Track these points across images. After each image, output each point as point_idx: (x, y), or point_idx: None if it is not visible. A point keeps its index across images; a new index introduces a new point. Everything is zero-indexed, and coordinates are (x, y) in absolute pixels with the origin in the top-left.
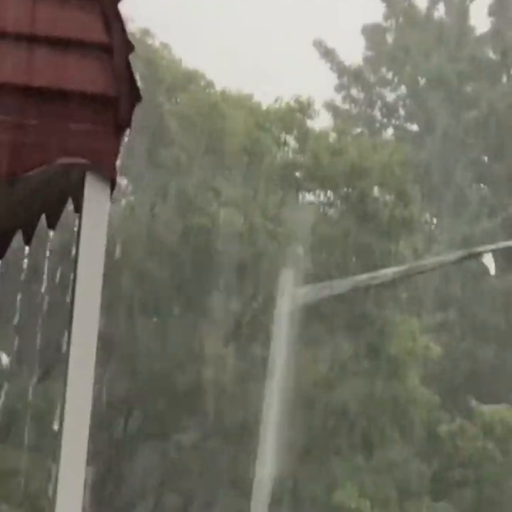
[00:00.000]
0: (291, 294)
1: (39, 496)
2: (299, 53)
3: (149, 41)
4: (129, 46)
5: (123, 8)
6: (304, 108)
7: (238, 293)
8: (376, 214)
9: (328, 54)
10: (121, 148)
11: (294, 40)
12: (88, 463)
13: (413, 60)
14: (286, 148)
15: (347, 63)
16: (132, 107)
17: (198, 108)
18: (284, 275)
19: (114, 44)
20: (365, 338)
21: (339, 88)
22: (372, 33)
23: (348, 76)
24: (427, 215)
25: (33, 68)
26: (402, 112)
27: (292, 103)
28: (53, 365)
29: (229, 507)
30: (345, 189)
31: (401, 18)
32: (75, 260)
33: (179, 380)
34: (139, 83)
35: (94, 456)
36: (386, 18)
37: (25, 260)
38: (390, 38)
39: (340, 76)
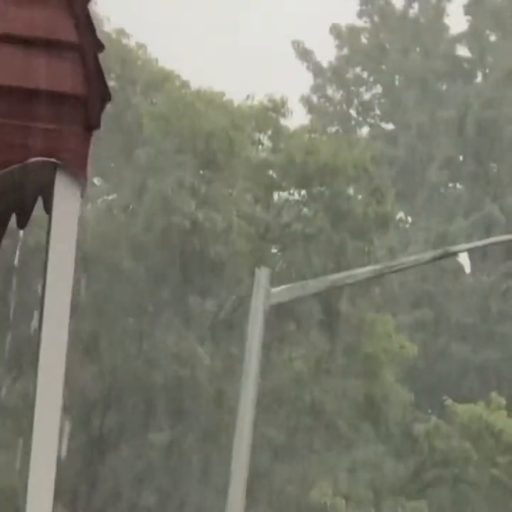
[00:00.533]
0: (265, 293)
1: (15, 492)
2: (276, 53)
3: (125, 41)
4: (98, 45)
5: (99, 8)
6: (277, 107)
7: (214, 292)
8: (350, 212)
9: (305, 54)
10: (95, 148)
11: (271, 40)
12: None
13: (389, 58)
14: (260, 147)
15: (323, 63)
16: (102, 106)
17: (173, 108)
18: (258, 274)
19: (84, 43)
20: (341, 336)
21: (315, 88)
22: (346, 33)
23: (324, 75)
24: (402, 214)
25: (1, 67)
26: (377, 110)
27: (266, 102)
28: (30, 362)
29: (205, 505)
30: (318, 188)
31: (376, 17)
32: (45, 260)
33: (155, 379)
34: (115, 83)
35: (70, 454)
36: (360, 16)
37: None
38: (364, 38)
39: (316, 76)
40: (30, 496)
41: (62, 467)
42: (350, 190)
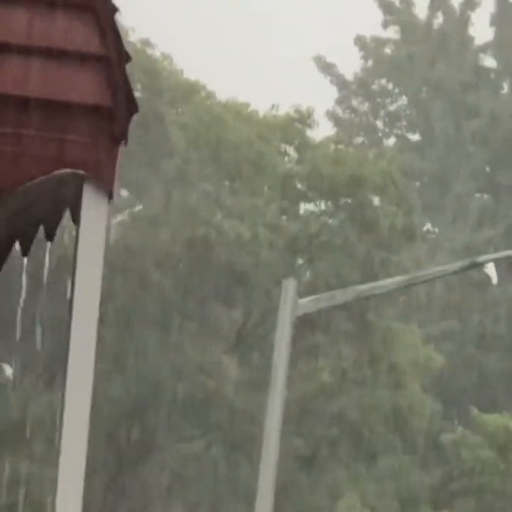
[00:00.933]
0: (292, 305)
1: (43, 504)
2: (300, 67)
3: (150, 51)
4: (125, 57)
5: (124, 18)
6: (303, 118)
7: (241, 303)
8: (376, 223)
9: (327, 68)
10: (122, 159)
11: (294, 55)
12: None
13: (414, 69)
14: (286, 159)
15: (348, 75)
16: (129, 118)
17: (200, 119)
18: (285, 285)
19: (111, 55)
20: (367, 347)
21: (340, 101)
22: (370, 44)
23: (349, 88)
24: (429, 225)
25: (30, 79)
26: (404, 121)
27: (292, 113)
28: (56, 375)
29: None
30: (345, 198)
31: (400, 28)
32: (73, 271)
33: (181, 390)
34: (141, 93)
35: (98, 466)
36: (385, 27)
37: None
38: (389, 49)
39: (340, 89)
40: (59, 508)
41: (90, 479)
42: (377, 201)
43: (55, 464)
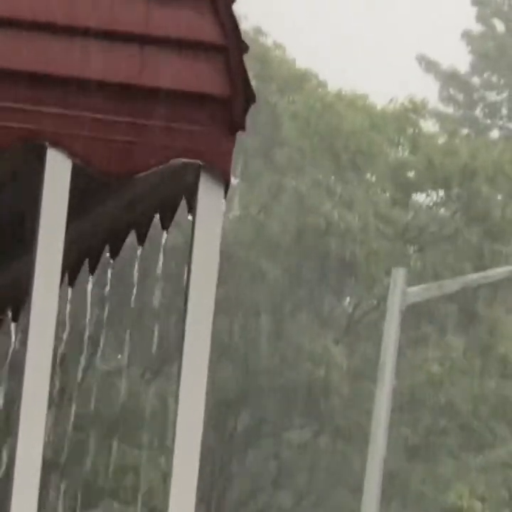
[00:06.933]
0: (402, 293)
1: (151, 493)
2: (402, 66)
3: (262, 40)
4: (243, 47)
5: (236, 6)
6: (417, 108)
7: (350, 292)
8: (487, 214)
9: (431, 66)
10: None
11: (396, 54)
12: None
13: None
14: (399, 149)
15: (449, 72)
16: (246, 108)
17: (312, 108)
18: (395, 274)
19: (229, 45)
20: (476, 337)
21: (443, 95)
22: (472, 39)
23: (451, 82)
24: None
25: (147, 69)
26: (505, 112)
27: (406, 103)
28: (164, 364)
29: (340, 505)
30: (456, 189)
31: (498, 22)
32: (189, 261)
33: (290, 379)
34: (253, 82)
35: (206, 454)
36: (482, 22)
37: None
38: (489, 42)
39: (443, 84)
40: (174, 495)
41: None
42: (488, 192)
43: (164, 452)
